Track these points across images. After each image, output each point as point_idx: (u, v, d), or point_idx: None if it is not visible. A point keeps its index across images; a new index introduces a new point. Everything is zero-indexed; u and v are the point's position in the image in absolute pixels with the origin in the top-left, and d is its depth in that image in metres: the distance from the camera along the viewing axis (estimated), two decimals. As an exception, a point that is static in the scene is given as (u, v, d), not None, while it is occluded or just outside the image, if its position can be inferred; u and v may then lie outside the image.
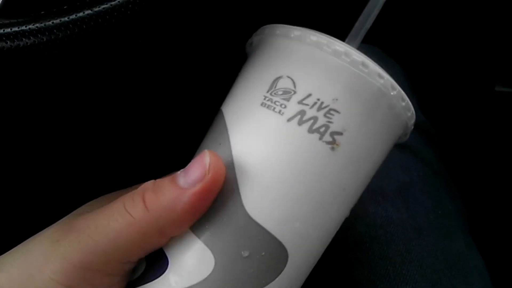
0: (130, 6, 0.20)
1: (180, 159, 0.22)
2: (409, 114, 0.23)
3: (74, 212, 0.22)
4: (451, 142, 0.58)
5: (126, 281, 0.21)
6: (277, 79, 0.21)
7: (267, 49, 0.23)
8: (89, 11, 0.20)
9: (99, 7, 0.20)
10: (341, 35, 0.23)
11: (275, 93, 0.21)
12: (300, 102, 0.21)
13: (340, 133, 0.21)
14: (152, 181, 0.20)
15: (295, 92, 0.21)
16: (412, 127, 0.24)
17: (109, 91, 0.28)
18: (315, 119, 0.20)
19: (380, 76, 0.21)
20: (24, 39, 0.20)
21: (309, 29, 0.22)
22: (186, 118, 0.32)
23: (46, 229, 0.21)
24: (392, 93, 0.22)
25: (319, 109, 0.21)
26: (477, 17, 0.58)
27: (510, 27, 0.57)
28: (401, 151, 0.39)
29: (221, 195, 0.20)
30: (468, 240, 0.37)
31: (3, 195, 0.29)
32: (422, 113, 0.45)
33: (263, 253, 0.20)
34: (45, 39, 0.20)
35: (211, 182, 0.19)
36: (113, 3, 0.20)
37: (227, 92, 0.24)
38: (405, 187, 0.36)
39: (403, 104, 0.22)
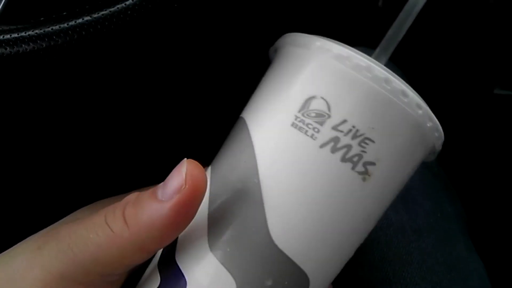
0: (129, 12, 0.20)
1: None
2: (439, 142, 0.22)
3: (66, 218, 0.22)
4: (450, 145, 0.58)
5: None
6: (310, 99, 0.20)
7: (299, 63, 0.21)
8: (88, 18, 0.20)
9: (98, 13, 0.20)
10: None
11: (307, 115, 0.20)
12: (334, 128, 0.20)
13: (373, 163, 0.20)
14: (136, 193, 0.20)
15: (329, 116, 0.20)
16: (440, 148, 0.23)
17: (110, 96, 0.28)
18: (349, 147, 0.20)
19: (419, 107, 0.20)
20: (23, 45, 0.20)
21: (348, 47, 0.20)
22: (189, 122, 0.32)
23: (34, 234, 0.21)
24: (428, 125, 0.21)
25: (354, 137, 0.20)
26: (476, 20, 0.59)
27: (509, 30, 0.57)
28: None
29: (246, 218, 0.20)
30: (468, 243, 0.37)
31: (3, 197, 0.29)
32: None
33: (286, 282, 0.20)
34: (44, 46, 0.20)
35: (189, 194, 0.18)
36: (112, 9, 0.20)
37: (232, 95, 0.24)
38: (405, 191, 0.37)
39: (436, 134, 0.22)
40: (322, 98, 0.20)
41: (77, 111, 0.27)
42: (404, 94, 0.20)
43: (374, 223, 0.22)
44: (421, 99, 0.21)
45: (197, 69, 0.29)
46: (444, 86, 0.64)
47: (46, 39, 0.20)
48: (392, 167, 0.21)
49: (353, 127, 0.20)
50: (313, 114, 0.20)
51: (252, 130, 0.21)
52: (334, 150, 0.20)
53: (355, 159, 0.20)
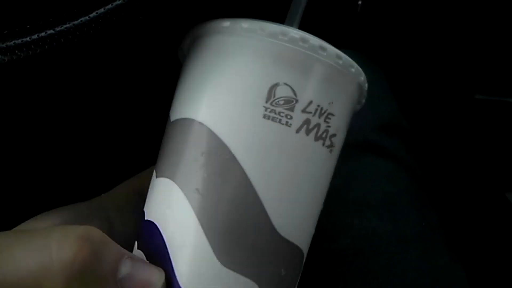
0: (93, 25, 0.19)
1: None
2: (362, 79, 0.23)
3: (28, 222, 0.21)
4: (430, 151, 0.58)
5: None
6: (274, 87, 0.20)
7: (248, 52, 0.20)
8: (51, 31, 0.19)
9: (61, 26, 0.19)
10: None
11: (276, 103, 0.20)
12: (304, 111, 0.20)
13: (335, 135, 0.21)
14: (99, 233, 0.18)
15: (297, 101, 0.20)
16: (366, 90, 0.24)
17: (80, 104, 0.27)
18: (318, 126, 0.20)
19: (352, 66, 0.22)
20: (-17, 60, 0.19)
21: (297, 30, 0.21)
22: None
23: None
24: (362, 78, 0.22)
25: (320, 115, 0.20)
26: (457, 26, 0.59)
27: (490, 36, 0.57)
28: (385, 160, 0.39)
29: (248, 220, 0.20)
30: (452, 253, 0.37)
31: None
32: (405, 119, 0.45)
33: (293, 265, 0.21)
34: (6, 60, 0.20)
35: None
36: (75, 22, 0.19)
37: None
38: (390, 198, 0.36)
39: (362, 78, 0.23)
40: (286, 84, 0.20)
41: (47, 121, 0.26)
42: (350, 65, 0.21)
43: None
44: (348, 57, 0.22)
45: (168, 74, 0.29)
46: (426, 91, 0.64)
47: (8, 53, 0.20)
48: (344, 130, 0.23)
49: (318, 106, 0.20)
50: (282, 102, 0.20)
51: (221, 134, 0.20)
52: (308, 132, 0.20)
53: (324, 135, 0.21)
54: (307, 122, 0.20)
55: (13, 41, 0.20)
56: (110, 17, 0.19)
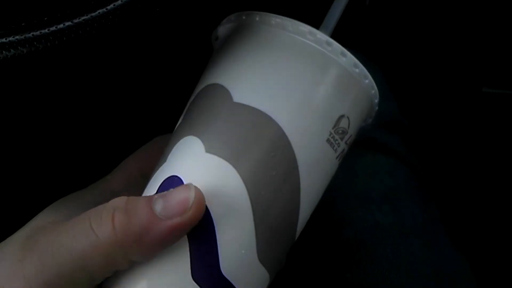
0: (110, 17, 0.20)
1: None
2: (375, 95, 0.24)
3: (34, 221, 0.22)
4: (435, 146, 0.59)
5: None
6: (341, 117, 0.22)
7: (336, 80, 0.22)
8: (69, 23, 0.20)
9: (79, 18, 0.20)
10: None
11: (337, 132, 0.22)
12: (346, 142, 0.23)
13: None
14: (124, 198, 0.19)
15: (347, 133, 0.22)
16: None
17: (92, 98, 0.28)
18: (345, 152, 0.23)
19: (373, 87, 0.24)
20: (3, 51, 0.20)
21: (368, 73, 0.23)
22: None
23: (10, 240, 0.21)
24: (373, 91, 0.24)
25: (350, 145, 0.23)
26: (464, 19, 0.59)
27: (497, 29, 0.57)
28: (386, 156, 0.39)
29: (283, 224, 0.21)
30: (454, 244, 0.37)
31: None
32: (404, 117, 0.45)
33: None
34: (25, 51, 0.20)
35: (190, 219, 0.18)
36: (93, 14, 0.20)
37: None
38: (391, 192, 0.37)
39: (373, 91, 0.24)
40: (347, 117, 0.22)
41: (59, 114, 0.27)
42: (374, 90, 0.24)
43: None
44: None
45: (182, 67, 0.29)
46: (433, 85, 0.64)
47: (27, 45, 0.20)
48: None
49: (352, 139, 0.23)
50: (340, 131, 0.22)
51: (295, 144, 0.21)
52: (340, 158, 0.23)
53: (343, 155, 0.23)
54: (343, 151, 0.23)
55: (31, 33, 0.20)
56: (128, 9, 0.20)
